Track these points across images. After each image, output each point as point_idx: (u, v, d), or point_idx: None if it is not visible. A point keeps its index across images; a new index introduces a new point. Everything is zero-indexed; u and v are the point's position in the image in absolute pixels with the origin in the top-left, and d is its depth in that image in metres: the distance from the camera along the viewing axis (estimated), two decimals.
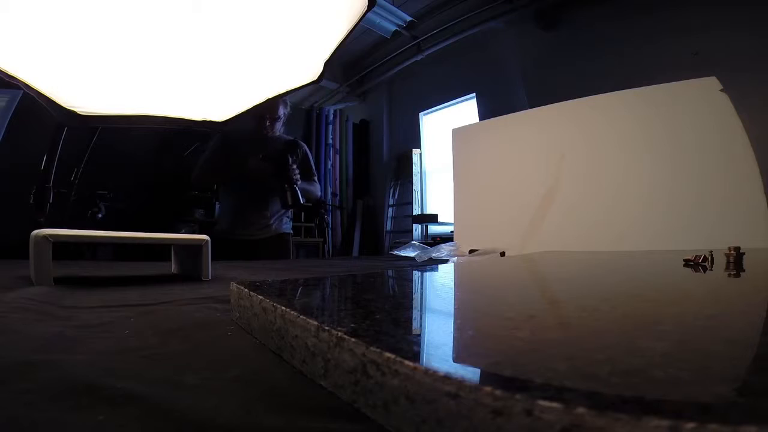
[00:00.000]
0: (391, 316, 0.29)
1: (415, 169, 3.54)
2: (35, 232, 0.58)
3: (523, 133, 1.50)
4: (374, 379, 0.18)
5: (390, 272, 0.66)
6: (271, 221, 1.85)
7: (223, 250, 1.64)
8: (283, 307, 0.27)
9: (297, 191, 1.72)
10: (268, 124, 1.93)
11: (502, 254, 1.28)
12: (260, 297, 0.31)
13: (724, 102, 1.08)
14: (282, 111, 2.00)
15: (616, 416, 0.11)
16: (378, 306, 0.35)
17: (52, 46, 1.10)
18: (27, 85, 1.21)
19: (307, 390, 0.22)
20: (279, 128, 1.99)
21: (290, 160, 1.75)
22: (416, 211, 3.47)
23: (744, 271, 0.56)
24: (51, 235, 0.56)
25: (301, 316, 0.24)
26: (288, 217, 1.92)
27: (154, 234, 0.68)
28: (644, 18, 2.11)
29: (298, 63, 1.41)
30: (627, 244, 1.14)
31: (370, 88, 3.92)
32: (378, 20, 3.07)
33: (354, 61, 3.70)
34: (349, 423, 0.18)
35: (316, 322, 0.23)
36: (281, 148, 1.78)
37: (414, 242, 1.74)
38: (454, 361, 0.19)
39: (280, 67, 1.42)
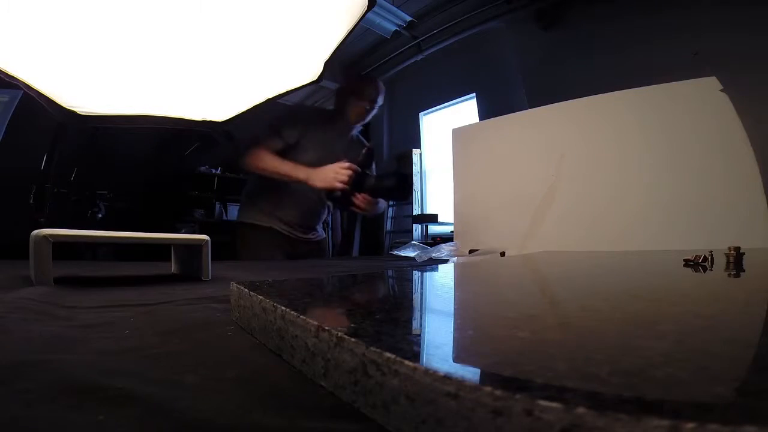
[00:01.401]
0: (391, 316, 0.29)
1: (415, 169, 3.54)
2: (35, 232, 0.57)
3: (523, 133, 1.50)
4: (374, 379, 0.18)
5: (390, 272, 0.66)
6: (320, 224, 1.65)
7: (277, 247, 1.42)
8: (283, 307, 0.27)
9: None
10: (368, 108, 1.50)
11: (502, 254, 1.28)
12: (260, 297, 0.31)
13: (724, 102, 1.08)
14: (380, 100, 1.55)
15: (616, 416, 0.11)
16: (378, 306, 0.35)
17: (52, 46, 1.10)
18: (27, 85, 1.21)
19: (307, 390, 0.22)
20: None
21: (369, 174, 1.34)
22: (416, 211, 3.47)
23: (744, 271, 0.56)
24: (51, 235, 0.56)
25: (301, 316, 0.24)
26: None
27: (154, 234, 0.68)
28: (644, 18, 2.11)
29: (298, 63, 1.41)
30: (627, 244, 1.14)
31: None
32: (378, 20, 3.07)
33: (354, 61, 3.70)
34: (349, 423, 0.18)
35: (316, 322, 0.23)
36: (360, 158, 1.34)
37: (414, 242, 1.74)
38: (454, 361, 0.19)
39: (280, 67, 1.42)
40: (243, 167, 1.43)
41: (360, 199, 1.30)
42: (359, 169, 1.29)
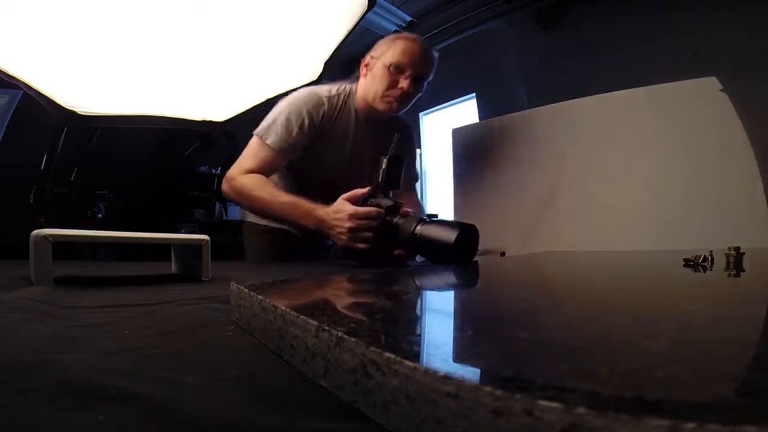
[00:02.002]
0: (391, 316, 0.29)
1: None
2: (35, 232, 0.57)
3: (523, 133, 1.50)
4: (374, 379, 0.18)
5: (390, 272, 0.66)
6: None
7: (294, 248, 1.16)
8: (283, 307, 0.27)
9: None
10: (410, 90, 1.02)
11: (502, 254, 1.28)
12: (260, 297, 0.31)
13: (724, 102, 1.08)
14: (431, 75, 1.11)
15: (616, 416, 0.11)
16: (378, 306, 0.35)
17: (52, 46, 1.10)
18: (27, 85, 1.21)
19: (307, 390, 0.22)
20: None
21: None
22: None
23: (744, 271, 0.56)
24: (51, 235, 0.56)
25: (301, 316, 0.24)
26: None
27: (154, 234, 0.68)
28: (644, 18, 2.11)
29: (298, 63, 1.41)
30: (627, 244, 1.14)
31: None
32: (378, 20, 3.07)
33: (354, 60, 3.70)
34: (349, 423, 0.18)
35: (316, 322, 0.23)
36: (382, 177, 0.89)
37: None
38: (454, 361, 0.19)
39: (280, 67, 1.42)
40: (224, 196, 1.05)
41: (395, 254, 0.87)
42: (384, 206, 0.85)
